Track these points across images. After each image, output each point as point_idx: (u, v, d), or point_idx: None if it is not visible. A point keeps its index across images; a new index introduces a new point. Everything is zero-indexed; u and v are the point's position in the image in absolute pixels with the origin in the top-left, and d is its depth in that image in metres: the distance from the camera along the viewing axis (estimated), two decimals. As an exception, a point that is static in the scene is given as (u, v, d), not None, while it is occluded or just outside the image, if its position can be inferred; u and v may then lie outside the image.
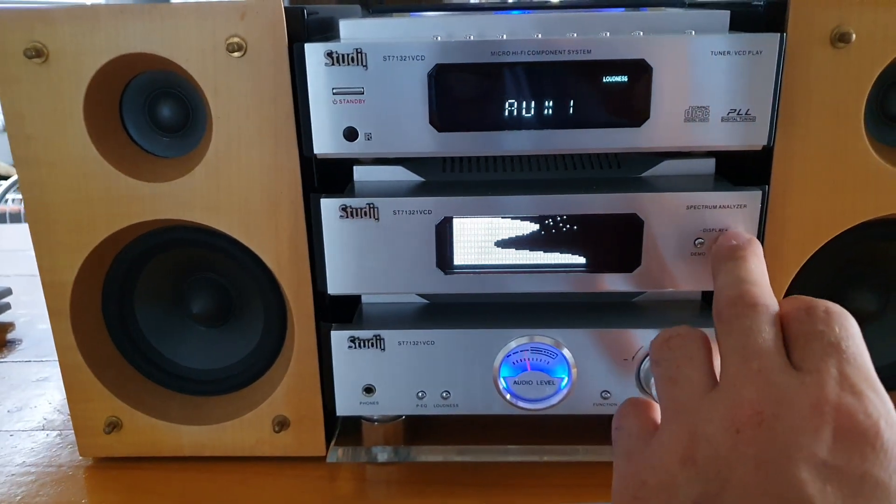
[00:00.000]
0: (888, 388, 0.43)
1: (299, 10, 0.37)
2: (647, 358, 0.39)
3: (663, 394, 0.25)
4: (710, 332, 0.27)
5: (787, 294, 0.40)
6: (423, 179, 0.40)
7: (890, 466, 0.19)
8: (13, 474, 0.44)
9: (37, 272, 0.41)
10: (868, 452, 0.19)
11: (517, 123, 0.36)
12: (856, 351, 0.22)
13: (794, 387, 0.21)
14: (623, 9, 0.43)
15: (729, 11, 0.38)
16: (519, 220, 0.37)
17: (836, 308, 0.23)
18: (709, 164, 0.40)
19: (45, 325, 0.42)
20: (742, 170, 0.40)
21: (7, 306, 0.68)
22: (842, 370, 0.21)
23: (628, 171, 0.41)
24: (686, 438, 0.23)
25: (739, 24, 0.39)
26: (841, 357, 0.22)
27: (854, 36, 0.36)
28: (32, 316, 0.67)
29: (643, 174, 0.40)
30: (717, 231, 0.37)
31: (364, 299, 0.43)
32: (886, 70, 0.37)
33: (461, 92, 0.35)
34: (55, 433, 0.49)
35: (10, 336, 0.64)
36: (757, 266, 0.27)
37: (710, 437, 0.22)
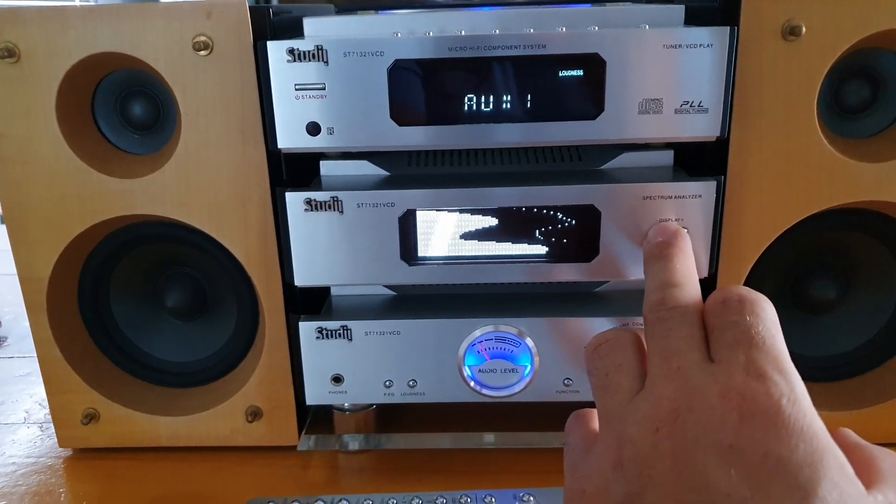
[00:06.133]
0: (851, 374, 0.44)
1: (264, 10, 0.38)
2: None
3: (597, 403, 0.26)
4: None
5: (746, 283, 0.41)
6: (388, 173, 0.41)
7: (791, 441, 0.20)
8: (-6, 466, 0.45)
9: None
10: (769, 430, 0.20)
11: (475, 117, 0.37)
12: (766, 335, 0.23)
13: (706, 379, 0.22)
14: (581, 4, 0.44)
15: (683, 6, 0.39)
16: (480, 212, 0.38)
17: (751, 295, 0.24)
18: (667, 156, 0.41)
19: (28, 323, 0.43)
20: (700, 161, 0.41)
21: (-8, 304, 0.69)
22: (749, 356, 0.22)
23: (588, 163, 0.42)
24: (616, 444, 0.23)
25: (695, 18, 0.40)
26: (751, 343, 0.22)
27: (804, 29, 0.37)
28: (17, 314, 0.68)
29: (602, 166, 0.41)
30: (673, 221, 0.38)
31: (333, 292, 0.44)
32: (838, 63, 0.38)
33: (420, 87, 0.36)
34: (36, 426, 0.50)
35: (-5, 333, 0.65)
36: (682, 264, 0.28)
37: (635, 439, 0.23)
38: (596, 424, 0.27)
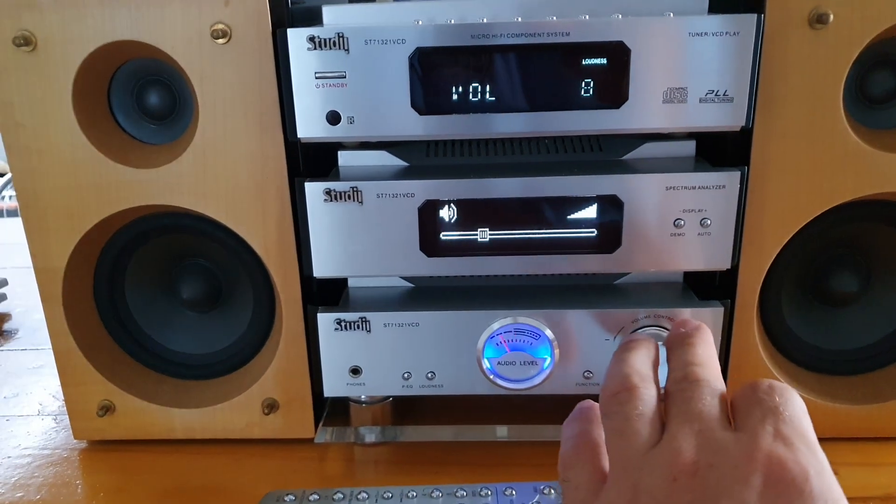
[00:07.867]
0: (871, 368, 0.44)
1: (283, -3, 0.38)
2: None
3: (612, 446, 0.26)
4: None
5: (768, 275, 0.41)
6: (407, 164, 0.41)
7: None
8: (10, 457, 0.45)
9: (31, 264, 0.42)
10: (795, 498, 0.20)
11: (498, 106, 0.36)
12: (793, 414, 0.23)
13: (731, 441, 0.23)
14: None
15: (708, -7, 0.39)
16: (501, 203, 0.38)
17: (780, 384, 0.25)
18: (689, 147, 0.40)
19: (40, 315, 0.43)
20: (722, 151, 0.40)
21: (3, 297, 0.69)
22: (777, 427, 0.22)
23: (610, 153, 0.41)
24: (630, 493, 0.23)
25: (719, 5, 0.39)
26: (778, 418, 0.23)
27: (832, 17, 0.36)
28: (28, 306, 0.68)
29: (624, 157, 0.41)
30: (696, 211, 0.38)
31: (351, 283, 0.44)
32: (865, 52, 0.37)
33: (442, 75, 0.36)
34: (50, 418, 0.50)
35: (6, 326, 0.65)
36: (704, 350, 0.28)
37: (651, 489, 0.23)
38: (603, 463, 0.27)
